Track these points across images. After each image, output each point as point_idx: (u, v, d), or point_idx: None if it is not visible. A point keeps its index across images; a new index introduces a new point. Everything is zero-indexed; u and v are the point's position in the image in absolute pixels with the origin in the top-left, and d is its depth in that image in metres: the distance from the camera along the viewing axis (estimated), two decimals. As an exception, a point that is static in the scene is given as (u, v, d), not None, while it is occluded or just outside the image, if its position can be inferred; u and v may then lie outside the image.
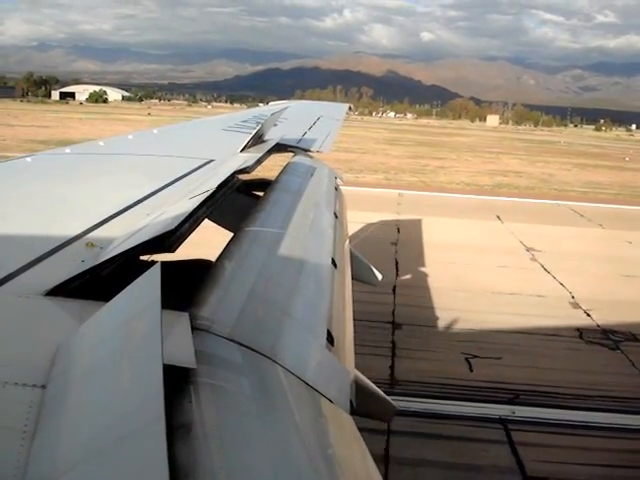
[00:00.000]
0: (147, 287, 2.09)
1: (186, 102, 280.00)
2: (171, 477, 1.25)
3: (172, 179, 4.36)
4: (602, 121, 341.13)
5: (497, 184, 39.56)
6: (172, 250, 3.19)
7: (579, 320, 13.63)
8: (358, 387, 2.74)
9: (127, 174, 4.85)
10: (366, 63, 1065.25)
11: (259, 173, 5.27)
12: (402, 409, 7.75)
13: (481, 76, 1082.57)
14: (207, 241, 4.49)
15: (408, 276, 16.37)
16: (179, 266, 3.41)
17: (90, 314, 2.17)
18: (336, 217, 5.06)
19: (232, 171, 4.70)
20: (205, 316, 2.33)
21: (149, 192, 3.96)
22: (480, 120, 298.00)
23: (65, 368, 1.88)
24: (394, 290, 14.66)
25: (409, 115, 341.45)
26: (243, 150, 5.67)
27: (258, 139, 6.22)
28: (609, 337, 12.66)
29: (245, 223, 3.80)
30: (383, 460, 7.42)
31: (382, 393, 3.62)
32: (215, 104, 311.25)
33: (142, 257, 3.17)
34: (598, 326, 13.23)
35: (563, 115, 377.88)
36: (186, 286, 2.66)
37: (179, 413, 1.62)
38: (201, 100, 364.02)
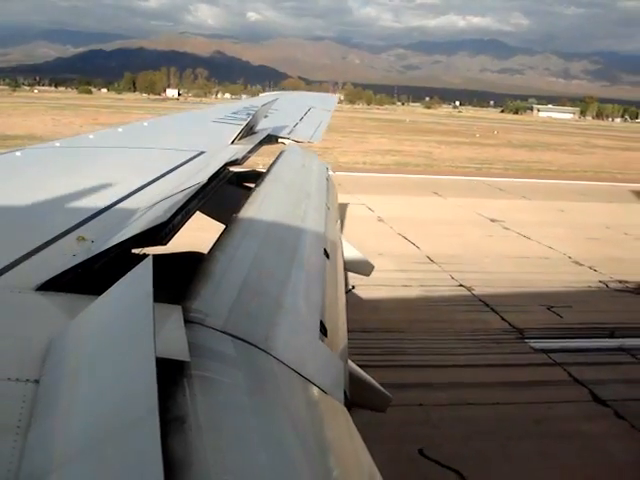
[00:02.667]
0: (139, 280, 2.09)
1: (8, 87, 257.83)
2: (165, 470, 1.25)
3: (163, 172, 4.35)
4: (428, 98, 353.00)
5: (396, 162, 41.23)
6: (164, 243, 3.20)
7: (593, 275, 16.25)
8: (352, 378, 2.75)
9: (118, 167, 4.83)
10: (192, 43, 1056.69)
11: (250, 164, 5.31)
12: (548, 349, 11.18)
13: (308, 56, 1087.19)
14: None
15: (425, 248, 17.86)
16: (171, 259, 3.40)
17: (82, 308, 2.16)
18: (328, 208, 5.06)
19: (223, 163, 4.71)
20: (198, 308, 2.32)
21: (140, 185, 3.95)
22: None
23: (58, 363, 1.87)
24: (432, 260, 16.70)
25: (244, 96, 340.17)
26: (234, 142, 5.67)
27: (249, 131, 6.20)
28: (627, 287, 15.23)
29: (237, 215, 3.80)
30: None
31: (376, 383, 3.65)
32: (40, 88, 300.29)
33: (134, 250, 3.16)
34: (611, 278, 15.80)
35: (389, 93, 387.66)
36: (178, 279, 2.66)
37: (173, 406, 1.62)
38: (23, 84, 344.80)
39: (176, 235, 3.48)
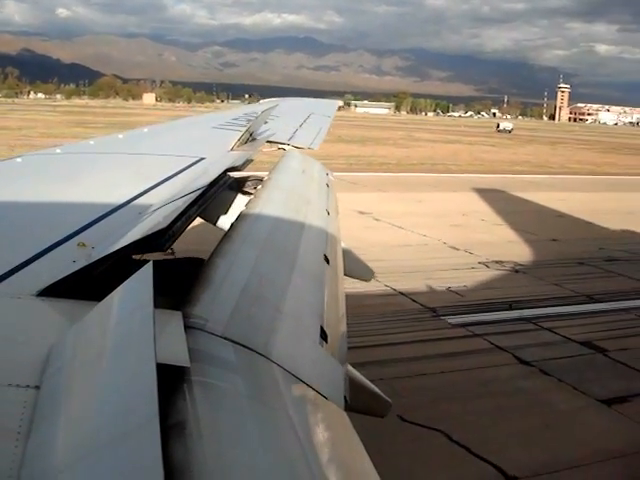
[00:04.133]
0: (139, 286, 2.10)
1: None
2: (166, 476, 1.26)
3: (163, 178, 4.39)
4: (247, 96, 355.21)
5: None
6: (164, 249, 3.22)
7: (472, 257, 18.20)
8: (352, 383, 2.75)
9: (118, 173, 4.87)
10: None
11: (251, 171, 5.36)
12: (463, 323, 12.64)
13: (122, 53, 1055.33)
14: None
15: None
16: (171, 264, 3.44)
17: (82, 314, 2.17)
18: (328, 214, 5.11)
19: (223, 169, 4.72)
20: (198, 314, 2.34)
21: (140, 191, 3.98)
22: (134, 99, 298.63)
23: (58, 368, 1.88)
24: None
25: (58, 96, 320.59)
26: (234, 148, 5.73)
27: (249, 137, 6.25)
28: (504, 266, 17.60)
29: (237, 221, 3.82)
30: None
31: (376, 388, 3.67)
32: None
33: (134, 256, 3.18)
34: (487, 259, 17.98)
35: (208, 90, 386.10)
36: (179, 284, 2.68)
37: (173, 411, 1.63)
38: None
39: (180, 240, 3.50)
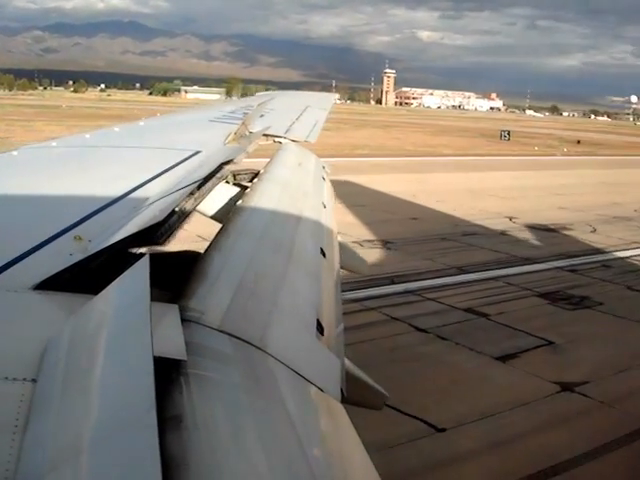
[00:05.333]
0: (136, 279, 2.11)
1: None
2: (163, 468, 1.27)
3: (159, 171, 4.36)
4: (71, 82, 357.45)
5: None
6: (161, 242, 3.25)
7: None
8: (348, 376, 2.78)
9: (114, 167, 4.86)
10: None
11: (247, 164, 5.44)
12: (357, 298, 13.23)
13: None
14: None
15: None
16: (168, 258, 3.38)
17: (79, 307, 2.17)
18: (324, 207, 5.11)
19: (219, 162, 4.75)
20: (195, 307, 2.34)
21: (136, 184, 3.96)
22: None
23: (55, 362, 1.89)
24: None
25: None
26: (230, 141, 5.71)
27: (245, 130, 6.25)
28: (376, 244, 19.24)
29: (233, 214, 3.80)
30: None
31: (372, 381, 3.76)
32: None
33: (131, 249, 3.18)
34: (359, 239, 19.02)
35: (30, 77, 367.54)
36: (175, 278, 2.68)
37: (170, 404, 1.63)
38: None
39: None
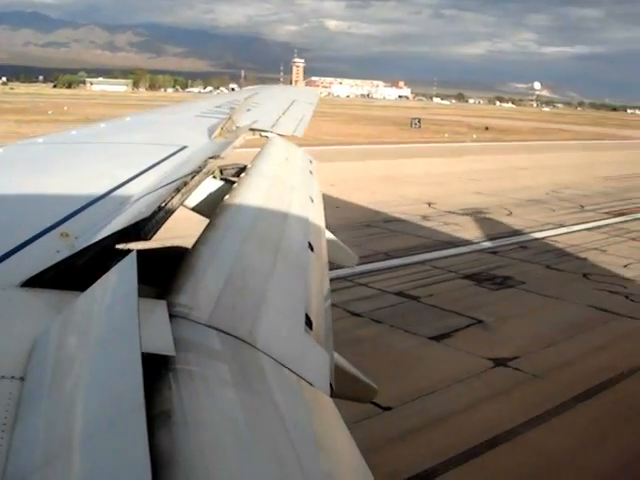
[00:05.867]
0: (123, 275, 2.10)
1: None
2: (152, 464, 1.26)
3: (146, 167, 4.34)
4: None
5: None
6: (148, 238, 3.24)
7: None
8: (338, 370, 2.78)
9: (100, 163, 4.83)
10: None
11: (233, 158, 5.39)
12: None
13: None
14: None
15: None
16: (155, 254, 3.35)
17: (67, 304, 2.16)
18: (312, 201, 5.10)
19: (206, 157, 4.73)
20: (183, 303, 2.32)
21: (123, 180, 3.93)
22: None
23: (43, 359, 1.88)
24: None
25: None
26: (217, 136, 5.68)
27: (232, 124, 6.22)
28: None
29: (220, 209, 3.78)
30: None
31: (362, 375, 3.78)
32: None
33: (118, 245, 3.17)
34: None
35: None
36: (163, 273, 2.66)
37: (159, 400, 1.62)
38: None
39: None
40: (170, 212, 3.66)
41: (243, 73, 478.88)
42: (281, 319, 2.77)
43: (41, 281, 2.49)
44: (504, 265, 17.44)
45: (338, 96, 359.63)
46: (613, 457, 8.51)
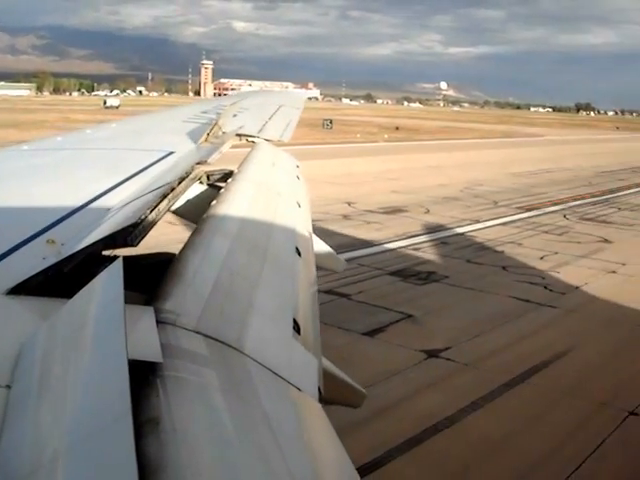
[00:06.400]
0: (110, 282, 2.09)
1: None
2: (140, 472, 1.26)
3: (132, 173, 4.32)
4: None
5: None
6: (135, 244, 3.19)
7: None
8: (326, 375, 2.76)
9: (86, 169, 4.81)
10: None
11: (220, 164, 5.36)
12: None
13: None
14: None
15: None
16: (142, 260, 3.35)
17: (53, 311, 2.15)
18: (299, 206, 5.08)
19: (193, 163, 4.73)
20: (170, 309, 2.30)
21: (109, 187, 3.91)
22: None
23: (29, 367, 1.87)
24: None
25: None
26: (203, 141, 5.67)
27: (219, 130, 6.18)
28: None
29: (207, 214, 3.77)
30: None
31: (350, 380, 3.77)
32: None
33: (104, 252, 3.15)
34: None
35: None
36: (150, 280, 2.65)
37: (146, 407, 1.61)
38: None
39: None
40: (157, 218, 3.62)
41: (150, 75, 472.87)
42: (269, 324, 2.76)
43: (28, 288, 2.48)
44: (427, 261, 18.09)
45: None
46: (546, 438, 9.01)
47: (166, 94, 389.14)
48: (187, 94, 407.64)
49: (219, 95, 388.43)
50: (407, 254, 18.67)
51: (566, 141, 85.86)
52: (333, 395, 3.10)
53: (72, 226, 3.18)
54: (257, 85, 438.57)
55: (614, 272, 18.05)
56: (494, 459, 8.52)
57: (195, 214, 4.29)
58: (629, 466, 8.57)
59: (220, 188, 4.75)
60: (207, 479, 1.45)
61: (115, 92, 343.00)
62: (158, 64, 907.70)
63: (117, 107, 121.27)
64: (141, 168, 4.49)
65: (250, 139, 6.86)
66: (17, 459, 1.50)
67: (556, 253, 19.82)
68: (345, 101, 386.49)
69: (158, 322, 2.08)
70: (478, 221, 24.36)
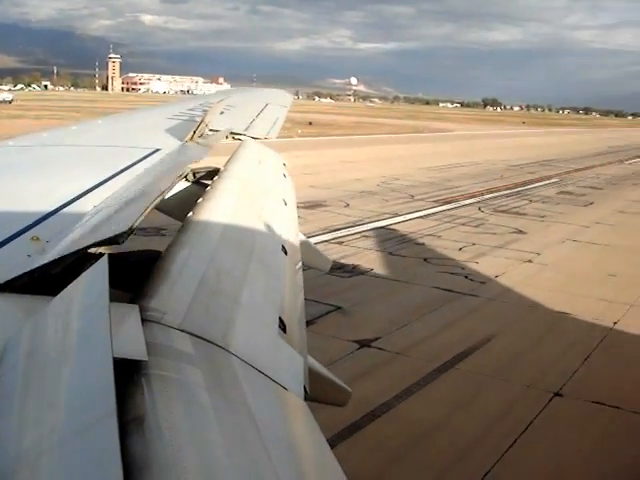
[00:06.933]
0: (95, 280, 2.08)
1: None
2: (124, 470, 1.26)
3: (118, 170, 4.28)
4: None
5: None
6: (120, 242, 3.14)
7: None
8: (312, 373, 2.75)
9: (72, 165, 4.77)
10: None
11: (207, 161, 5.32)
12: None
13: None
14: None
15: None
16: (127, 257, 3.31)
17: (37, 309, 2.14)
18: (285, 204, 5.07)
19: (179, 160, 4.73)
20: (155, 307, 2.30)
21: (94, 184, 3.87)
22: None
23: (13, 365, 1.87)
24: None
25: None
26: (190, 139, 5.65)
27: (205, 127, 6.17)
28: None
29: (194, 212, 3.75)
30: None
31: (336, 378, 3.78)
32: None
33: (89, 249, 3.06)
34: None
35: None
36: (135, 278, 2.64)
37: (131, 406, 1.61)
38: None
39: None
40: (142, 215, 3.54)
41: (55, 69, 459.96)
42: (255, 323, 2.75)
43: (11, 286, 2.47)
44: (350, 254, 18.42)
45: (157, 92, 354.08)
46: (477, 419, 9.56)
47: (72, 88, 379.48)
48: (94, 88, 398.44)
49: (127, 90, 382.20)
50: (330, 248, 18.99)
51: (475, 136, 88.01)
52: (318, 394, 3.08)
53: (57, 224, 3.16)
54: (166, 79, 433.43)
55: (530, 261, 19.04)
56: (431, 441, 8.99)
57: (181, 211, 4.27)
58: (558, 444, 9.03)
59: (206, 185, 4.72)
60: (192, 478, 1.44)
61: (19, 86, 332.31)
62: (64, 58, 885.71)
63: (10, 102, 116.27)
64: (127, 165, 4.46)
65: (237, 137, 6.85)
66: (0, 457, 1.50)
67: (474, 244, 20.70)
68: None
69: (143, 320, 2.08)
70: (397, 214, 25.08)
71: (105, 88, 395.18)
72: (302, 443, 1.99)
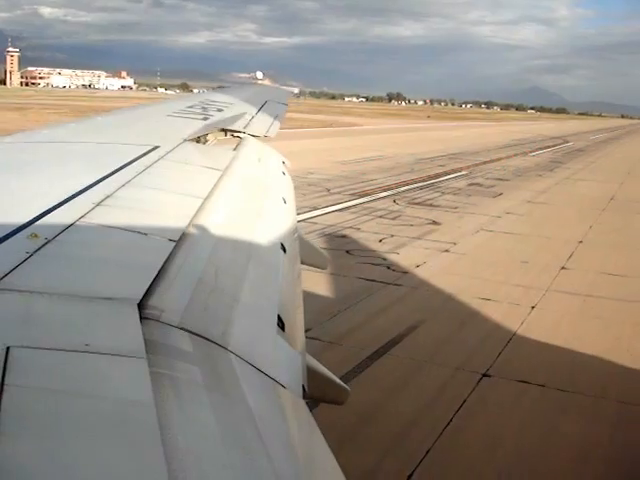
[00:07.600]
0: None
1: None
2: None
3: (117, 167, 4.25)
4: None
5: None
6: None
7: None
8: (310, 372, 2.77)
9: (70, 162, 4.74)
10: None
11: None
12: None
13: None
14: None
15: None
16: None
17: (36, 306, 2.17)
18: (284, 202, 5.07)
19: (179, 157, 4.71)
20: (154, 305, 2.28)
21: (93, 181, 3.84)
22: None
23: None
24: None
25: None
26: (189, 136, 5.64)
27: (204, 124, 6.19)
28: None
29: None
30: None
31: (334, 377, 3.81)
32: None
33: None
34: None
35: None
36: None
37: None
38: None
39: None
40: None
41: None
42: (253, 321, 2.75)
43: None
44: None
45: (57, 87, 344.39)
46: (414, 401, 10.04)
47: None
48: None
49: (26, 85, 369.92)
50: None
51: (382, 130, 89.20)
52: (317, 392, 3.12)
53: (56, 221, 3.13)
54: (67, 73, 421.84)
55: (447, 251, 19.86)
56: (374, 424, 9.33)
57: None
58: (491, 420, 9.65)
59: None
60: (191, 475, 1.45)
61: None
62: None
63: None
64: (126, 162, 4.43)
65: (236, 134, 6.82)
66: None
67: (392, 236, 21.27)
68: (161, 90, 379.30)
69: (142, 318, 2.08)
70: (316, 208, 25.38)
71: (3, 83, 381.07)
72: (300, 441, 2.01)
